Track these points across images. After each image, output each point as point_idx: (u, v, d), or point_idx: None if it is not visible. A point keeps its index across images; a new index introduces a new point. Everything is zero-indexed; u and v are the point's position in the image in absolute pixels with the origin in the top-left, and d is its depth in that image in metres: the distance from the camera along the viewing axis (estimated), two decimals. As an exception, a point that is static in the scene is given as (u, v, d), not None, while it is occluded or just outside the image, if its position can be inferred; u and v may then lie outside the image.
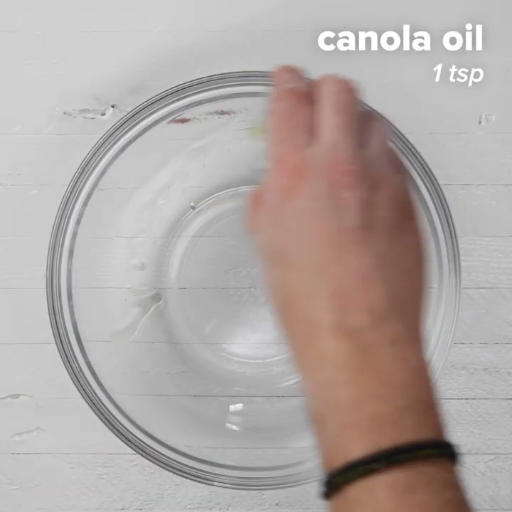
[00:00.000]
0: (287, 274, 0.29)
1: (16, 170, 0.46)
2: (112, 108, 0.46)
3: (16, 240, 0.46)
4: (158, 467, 0.40)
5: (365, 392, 0.27)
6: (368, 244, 0.28)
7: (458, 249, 0.41)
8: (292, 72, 0.33)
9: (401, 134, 0.40)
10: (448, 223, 0.41)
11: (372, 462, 0.26)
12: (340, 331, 0.28)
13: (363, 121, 0.32)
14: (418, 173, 0.40)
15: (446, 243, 0.41)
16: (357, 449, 0.26)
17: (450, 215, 0.41)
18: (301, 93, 0.32)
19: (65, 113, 0.46)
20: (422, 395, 0.28)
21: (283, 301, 0.30)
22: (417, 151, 0.40)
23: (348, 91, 0.32)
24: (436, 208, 0.41)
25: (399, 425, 0.27)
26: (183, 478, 0.40)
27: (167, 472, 0.40)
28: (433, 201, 0.41)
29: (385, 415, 0.27)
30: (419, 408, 0.27)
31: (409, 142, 0.40)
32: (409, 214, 0.31)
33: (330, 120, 0.30)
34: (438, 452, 0.26)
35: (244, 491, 0.46)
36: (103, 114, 0.46)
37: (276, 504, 0.46)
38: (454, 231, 0.41)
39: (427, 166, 0.40)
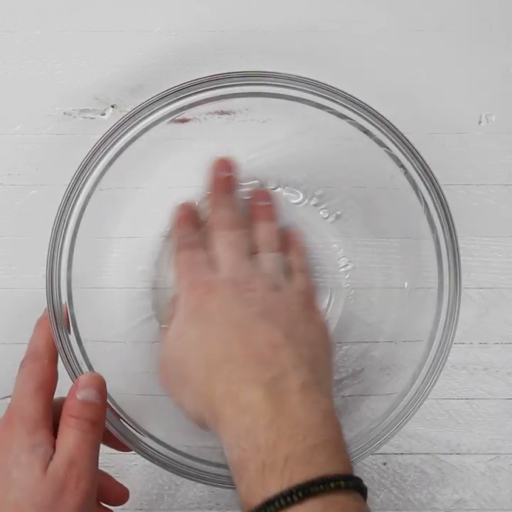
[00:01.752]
0: (207, 346, 0.36)
1: (16, 170, 0.46)
2: (111, 108, 0.46)
3: (16, 240, 0.46)
4: (158, 467, 0.40)
5: (280, 434, 0.30)
6: (274, 323, 0.35)
7: (458, 249, 0.41)
8: (188, 226, 0.42)
9: (401, 134, 0.40)
10: (448, 223, 0.41)
11: (288, 496, 0.29)
12: (257, 383, 0.32)
13: (282, 237, 0.42)
14: (418, 173, 0.40)
15: (446, 243, 0.41)
16: (274, 486, 0.29)
17: (450, 215, 0.41)
18: (195, 243, 0.41)
19: (65, 113, 0.46)
20: (331, 434, 0.31)
21: (202, 367, 0.35)
22: (417, 151, 0.40)
23: (234, 228, 0.41)
24: (436, 208, 0.41)
25: (312, 462, 0.30)
26: (183, 478, 0.40)
27: (167, 472, 0.40)
28: (433, 201, 0.41)
29: (298, 454, 0.30)
30: (329, 446, 0.31)
31: (409, 142, 0.40)
32: (310, 303, 0.40)
33: (222, 255, 0.39)
34: (347, 484, 0.29)
35: (244, 491, 0.45)
36: (103, 114, 0.46)
37: (276, 504, 0.46)
38: (454, 231, 0.41)
39: (427, 166, 0.40)
